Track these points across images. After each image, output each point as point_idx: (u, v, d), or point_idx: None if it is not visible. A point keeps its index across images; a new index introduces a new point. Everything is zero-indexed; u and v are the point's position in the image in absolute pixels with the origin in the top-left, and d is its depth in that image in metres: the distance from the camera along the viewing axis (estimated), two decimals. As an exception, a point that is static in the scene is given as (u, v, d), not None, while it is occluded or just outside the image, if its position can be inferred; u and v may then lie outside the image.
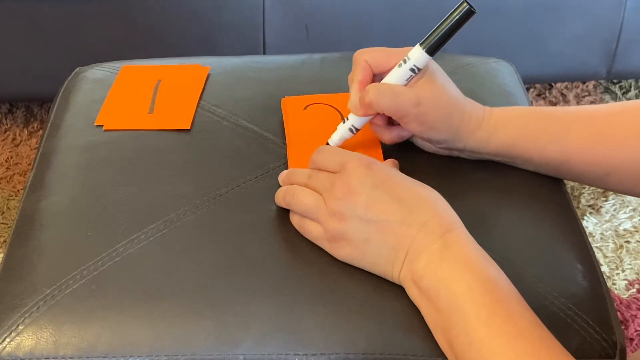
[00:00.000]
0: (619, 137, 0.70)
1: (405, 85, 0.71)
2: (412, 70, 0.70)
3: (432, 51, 0.69)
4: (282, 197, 0.69)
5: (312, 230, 0.66)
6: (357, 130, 0.74)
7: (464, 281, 0.58)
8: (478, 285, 0.58)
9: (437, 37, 0.68)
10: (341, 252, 0.64)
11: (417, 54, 0.70)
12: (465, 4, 0.67)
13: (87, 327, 0.62)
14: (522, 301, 0.58)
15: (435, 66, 0.72)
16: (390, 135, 0.74)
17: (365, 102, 0.71)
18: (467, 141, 0.73)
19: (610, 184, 0.72)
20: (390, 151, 0.75)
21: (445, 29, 0.68)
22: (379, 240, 0.62)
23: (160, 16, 1.45)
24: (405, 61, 0.70)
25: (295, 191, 0.67)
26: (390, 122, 0.74)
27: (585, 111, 0.73)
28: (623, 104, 0.73)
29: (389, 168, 0.66)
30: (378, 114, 0.72)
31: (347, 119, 0.74)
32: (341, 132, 0.74)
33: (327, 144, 0.75)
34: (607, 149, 0.70)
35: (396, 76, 0.71)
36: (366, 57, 0.73)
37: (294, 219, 0.68)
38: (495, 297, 0.57)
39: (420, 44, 0.69)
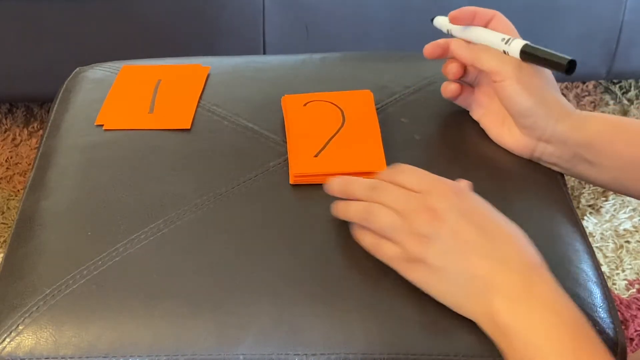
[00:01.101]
0: None
1: None
2: (503, 40, 0.73)
3: (525, 52, 0.72)
4: (358, 214, 0.65)
5: (387, 250, 0.63)
6: (452, 36, 0.78)
7: (547, 323, 0.57)
8: (561, 329, 0.57)
9: (537, 49, 0.72)
10: (416, 274, 0.62)
11: (515, 45, 0.73)
12: (568, 61, 0.71)
13: (87, 327, 0.62)
14: (603, 344, 0.58)
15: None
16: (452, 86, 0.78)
17: (472, 51, 0.74)
18: (557, 123, 0.72)
19: None
20: (390, 151, 0.75)
21: (546, 54, 0.72)
22: (457, 269, 0.60)
23: (160, 16, 1.45)
24: (504, 39, 0.74)
25: (373, 209, 0.64)
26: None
27: None
28: None
29: (476, 198, 0.64)
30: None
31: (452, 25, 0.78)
32: (443, 23, 0.79)
33: (436, 17, 0.80)
34: None
35: (494, 41, 0.74)
36: (491, 14, 0.77)
37: (367, 238, 0.65)
38: (579, 343, 0.57)
39: (526, 42, 0.73)
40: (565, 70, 0.71)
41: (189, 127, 0.79)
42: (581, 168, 0.74)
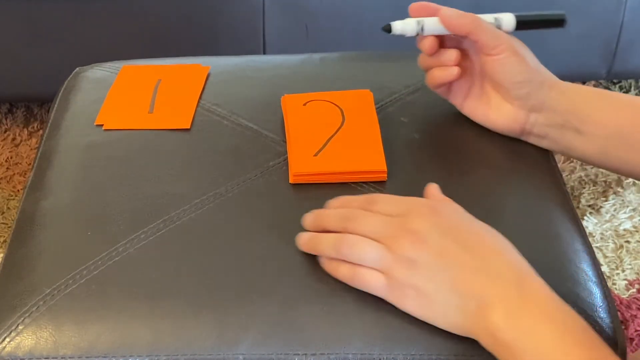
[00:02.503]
0: None
1: None
2: (495, 19, 0.74)
3: (520, 21, 0.74)
4: (331, 248, 0.63)
5: (370, 279, 0.61)
6: (421, 32, 0.74)
7: (548, 333, 0.56)
8: (563, 337, 0.56)
9: (529, 15, 0.74)
10: (407, 301, 0.60)
11: (508, 16, 0.74)
12: (563, 13, 0.74)
13: (87, 327, 0.62)
14: (605, 345, 0.57)
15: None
16: (437, 73, 0.75)
17: (466, 16, 0.72)
18: (550, 90, 0.73)
19: None
20: (390, 151, 0.75)
21: (537, 16, 0.75)
22: (449, 289, 0.59)
23: (160, 16, 1.45)
24: (494, 15, 0.75)
25: (352, 241, 0.62)
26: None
27: None
28: None
29: (454, 211, 0.63)
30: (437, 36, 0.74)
31: (423, 19, 0.74)
32: (410, 24, 0.73)
33: (390, 24, 0.74)
34: None
35: (486, 16, 0.75)
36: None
37: (342, 270, 0.62)
38: (586, 346, 0.56)
39: (515, 15, 0.74)
40: (563, 23, 0.75)
41: (188, 127, 0.79)
42: (570, 137, 0.74)
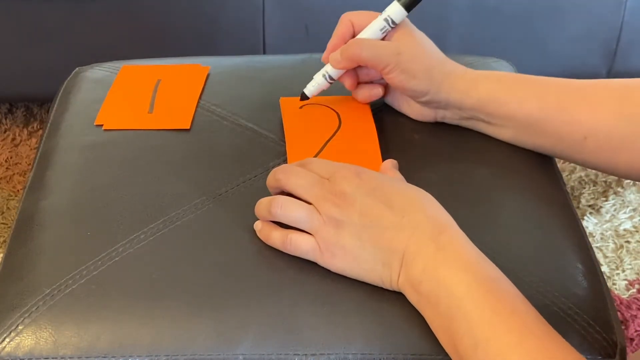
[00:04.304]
0: (599, 99, 0.71)
1: (383, 38, 0.76)
2: (386, 21, 0.75)
3: (407, 5, 0.74)
4: (265, 209, 0.66)
5: (301, 242, 0.64)
6: (333, 80, 0.78)
7: (463, 282, 0.57)
8: (478, 285, 0.57)
9: None
10: (335, 260, 0.63)
11: (393, 8, 0.75)
12: None
13: (87, 327, 0.62)
14: (524, 299, 0.58)
15: (414, 28, 0.76)
16: (362, 94, 0.79)
17: (347, 54, 0.75)
18: (449, 93, 0.74)
19: (588, 152, 0.72)
20: (390, 150, 0.75)
21: None
22: (374, 246, 0.62)
23: (160, 16, 1.45)
24: (383, 18, 0.75)
25: (282, 201, 0.65)
26: (360, 82, 0.79)
27: (563, 79, 0.75)
28: (603, 79, 0.74)
29: (377, 174, 0.66)
30: (348, 71, 0.77)
31: (325, 70, 0.78)
32: (319, 82, 0.79)
33: (303, 92, 0.79)
34: (585, 109, 0.71)
35: (373, 28, 0.76)
36: (350, 17, 0.78)
37: (275, 236, 0.65)
38: (496, 295, 0.57)
39: (398, 0, 0.74)
40: None
41: (188, 127, 0.79)
42: (481, 127, 0.77)
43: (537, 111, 0.73)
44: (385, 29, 0.75)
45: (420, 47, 0.75)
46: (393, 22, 0.75)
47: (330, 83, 0.79)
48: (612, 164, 0.71)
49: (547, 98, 0.73)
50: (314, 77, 0.79)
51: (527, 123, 0.73)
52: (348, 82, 0.79)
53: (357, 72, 0.79)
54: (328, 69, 0.78)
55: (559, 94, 0.73)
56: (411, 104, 0.78)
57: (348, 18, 0.78)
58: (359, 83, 0.80)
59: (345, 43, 0.77)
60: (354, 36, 0.78)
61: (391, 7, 0.75)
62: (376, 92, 0.79)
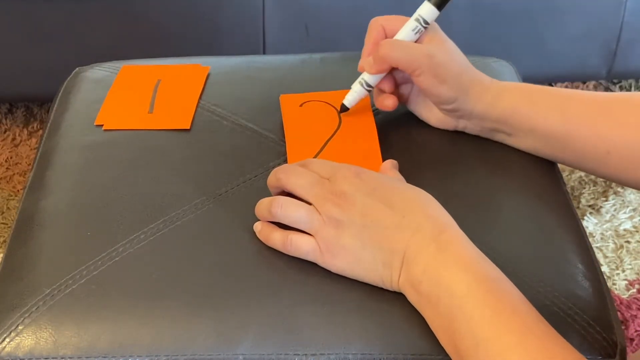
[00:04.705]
0: (622, 114, 0.70)
1: (416, 40, 0.74)
2: (418, 21, 0.74)
3: (439, 4, 0.73)
4: (266, 209, 0.66)
5: (302, 243, 0.64)
6: (370, 87, 0.77)
7: (463, 282, 0.57)
8: (478, 285, 0.57)
9: None
10: (336, 261, 0.63)
11: (425, 8, 0.74)
12: None
13: (87, 327, 0.62)
14: (524, 298, 0.58)
15: (443, 32, 0.75)
16: (378, 103, 0.77)
17: (379, 56, 0.73)
18: (475, 103, 0.74)
19: (610, 166, 0.71)
20: (390, 151, 0.75)
21: None
22: (374, 246, 0.62)
23: (160, 16, 1.45)
24: (415, 18, 0.74)
25: (282, 202, 0.65)
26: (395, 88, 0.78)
27: (586, 92, 0.74)
28: (626, 93, 0.73)
29: (378, 174, 0.66)
30: (386, 75, 0.75)
31: (362, 78, 0.77)
32: (357, 91, 0.77)
33: (343, 104, 0.77)
34: (608, 124, 0.71)
35: (406, 30, 0.74)
36: (381, 22, 0.76)
37: (276, 237, 0.65)
38: (497, 295, 0.57)
39: (428, 0, 0.74)
40: None
41: (188, 127, 0.79)
42: (501, 137, 0.76)
43: (560, 125, 0.72)
44: (418, 29, 0.74)
45: (451, 52, 0.74)
46: (425, 22, 0.74)
47: (369, 90, 0.77)
48: (637, 178, 0.71)
49: (570, 112, 0.72)
50: (351, 86, 0.77)
51: (550, 137, 0.73)
52: (387, 87, 0.76)
53: (394, 76, 0.77)
54: (365, 76, 0.76)
55: (582, 108, 0.72)
56: (433, 110, 0.77)
57: (379, 23, 0.76)
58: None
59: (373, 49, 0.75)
60: (385, 39, 0.76)
61: (423, 7, 0.74)
62: (387, 103, 0.76)
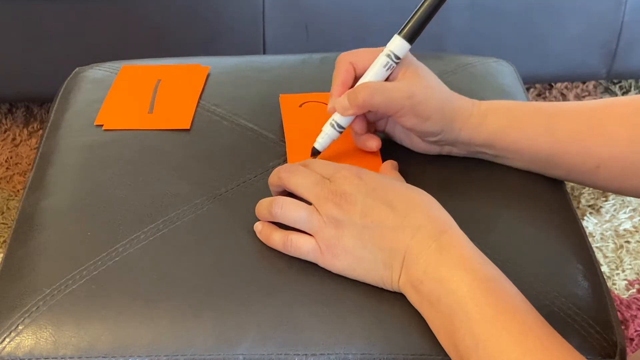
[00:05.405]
0: (609, 128, 0.70)
1: (388, 77, 0.72)
2: (389, 56, 0.71)
3: (409, 38, 0.70)
4: (266, 210, 0.66)
5: (302, 243, 0.64)
6: (342, 129, 0.73)
7: (464, 282, 0.57)
8: (478, 285, 0.57)
9: (413, 23, 0.70)
10: (337, 261, 0.63)
11: (395, 42, 0.71)
12: None
13: (87, 327, 0.62)
14: (524, 299, 0.58)
15: (418, 63, 0.73)
16: (360, 144, 0.74)
17: (358, 101, 0.70)
18: (459, 131, 0.72)
19: (600, 179, 0.71)
20: (390, 151, 0.75)
21: (422, 14, 0.70)
22: (375, 246, 0.62)
23: (160, 16, 1.45)
24: (386, 54, 0.71)
25: (283, 202, 0.65)
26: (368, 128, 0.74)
27: (573, 104, 0.73)
28: (612, 98, 0.73)
29: (378, 175, 0.66)
30: (358, 116, 0.72)
31: (333, 120, 0.72)
32: (328, 133, 0.73)
33: (314, 147, 0.73)
34: (597, 139, 0.70)
35: (376, 67, 0.71)
36: (350, 59, 0.73)
37: (276, 237, 0.65)
38: (497, 295, 0.57)
39: (398, 33, 0.70)
40: None
41: (188, 127, 0.79)
42: (489, 158, 0.75)
43: (548, 146, 0.71)
44: (389, 66, 0.71)
45: (430, 84, 0.72)
46: (397, 57, 0.70)
47: (340, 132, 0.73)
48: (625, 187, 0.71)
49: (558, 131, 0.71)
50: (322, 128, 0.73)
51: (538, 158, 0.72)
52: (359, 128, 0.73)
53: (366, 115, 0.73)
54: (336, 117, 0.72)
55: (570, 126, 0.71)
56: (414, 139, 0.75)
57: (347, 60, 0.73)
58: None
59: (349, 88, 0.72)
60: (356, 79, 0.73)
61: (393, 41, 0.70)
62: (370, 145, 0.74)
